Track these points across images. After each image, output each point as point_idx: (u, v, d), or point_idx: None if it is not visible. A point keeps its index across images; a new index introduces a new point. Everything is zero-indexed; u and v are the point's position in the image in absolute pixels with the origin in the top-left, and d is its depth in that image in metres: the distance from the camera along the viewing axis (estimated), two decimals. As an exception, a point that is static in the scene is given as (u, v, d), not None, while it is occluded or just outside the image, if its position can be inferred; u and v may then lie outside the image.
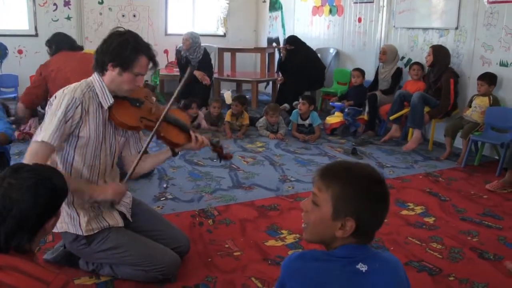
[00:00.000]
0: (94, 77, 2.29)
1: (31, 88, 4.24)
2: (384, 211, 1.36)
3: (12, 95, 6.88)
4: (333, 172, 1.37)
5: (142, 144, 2.54)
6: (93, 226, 2.34)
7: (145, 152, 2.39)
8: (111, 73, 2.23)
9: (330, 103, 6.50)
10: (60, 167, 2.27)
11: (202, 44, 7.07)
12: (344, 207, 1.31)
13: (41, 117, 5.72)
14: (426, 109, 5.20)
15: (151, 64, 2.31)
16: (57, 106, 2.16)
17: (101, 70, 2.25)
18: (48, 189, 1.46)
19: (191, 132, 2.54)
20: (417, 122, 5.19)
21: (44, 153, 2.14)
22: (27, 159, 2.06)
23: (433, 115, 5.17)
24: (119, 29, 2.28)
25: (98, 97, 2.26)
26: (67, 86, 2.26)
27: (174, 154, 2.56)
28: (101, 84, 2.26)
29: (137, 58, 2.22)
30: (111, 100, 2.27)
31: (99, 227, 2.36)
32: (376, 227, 1.37)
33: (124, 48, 2.19)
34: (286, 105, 6.51)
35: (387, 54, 5.91)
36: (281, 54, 7.24)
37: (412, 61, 5.86)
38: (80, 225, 2.31)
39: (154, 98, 2.66)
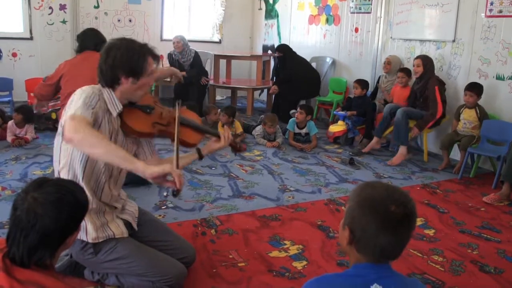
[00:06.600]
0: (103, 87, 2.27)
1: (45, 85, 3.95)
2: (381, 228, 1.34)
3: (7, 99, 6.80)
4: (355, 189, 1.46)
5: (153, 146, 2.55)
6: (99, 234, 2.32)
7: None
8: (125, 85, 2.22)
9: (334, 112, 6.53)
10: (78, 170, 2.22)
11: (197, 50, 7.11)
12: (347, 217, 1.42)
13: (36, 123, 5.69)
14: (412, 123, 5.22)
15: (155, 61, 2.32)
16: (78, 98, 2.13)
17: (112, 85, 2.23)
18: (71, 203, 1.46)
19: (220, 133, 2.57)
20: (402, 138, 5.20)
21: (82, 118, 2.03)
22: (71, 130, 1.95)
23: (421, 126, 5.16)
24: (113, 41, 2.26)
25: (106, 105, 2.24)
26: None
27: (201, 157, 2.54)
28: (109, 92, 2.24)
29: (146, 61, 2.23)
30: (120, 107, 2.26)
31: (104, 236, 2.34)
32: (372, 242, 1.36)
33: (131, 57, 2.19)
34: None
35: (392, 65, 6.00)
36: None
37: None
38: (86, 232, 2.29)
39: None
